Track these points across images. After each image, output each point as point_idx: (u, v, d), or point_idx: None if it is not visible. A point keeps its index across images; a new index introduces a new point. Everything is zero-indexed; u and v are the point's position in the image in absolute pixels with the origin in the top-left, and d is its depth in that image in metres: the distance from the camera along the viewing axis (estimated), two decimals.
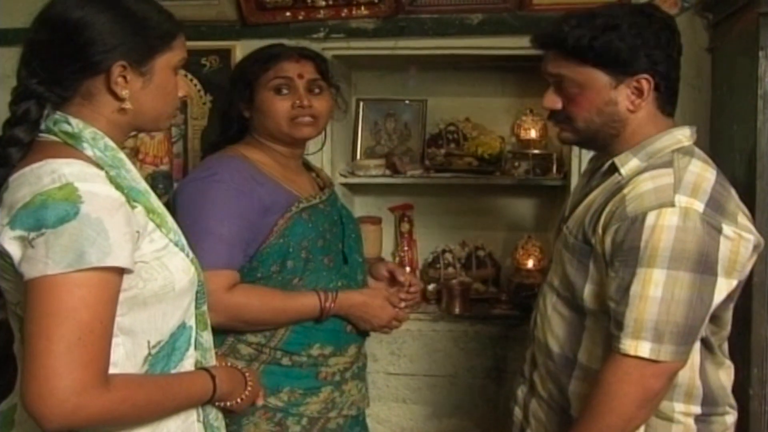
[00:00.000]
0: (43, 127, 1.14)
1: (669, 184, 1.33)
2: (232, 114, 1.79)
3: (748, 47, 1.94)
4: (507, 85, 2.88)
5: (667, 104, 1.45)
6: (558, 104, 1.46)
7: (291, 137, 1.75)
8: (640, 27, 1.38)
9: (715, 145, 2.22)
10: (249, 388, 1.35)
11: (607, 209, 1.37)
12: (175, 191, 1.61)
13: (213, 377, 1.24)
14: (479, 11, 2.43)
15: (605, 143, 1.47)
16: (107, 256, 1.03)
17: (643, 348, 1.29)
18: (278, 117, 1.72)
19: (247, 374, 1.37)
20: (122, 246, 1.06)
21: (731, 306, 1.42)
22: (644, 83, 1.39)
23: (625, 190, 1.36)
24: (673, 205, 1.29)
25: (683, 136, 1.43)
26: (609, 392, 1.32)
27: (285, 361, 1.67)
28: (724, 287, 1.31)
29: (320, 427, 1.70)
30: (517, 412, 1.65)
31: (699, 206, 1.30)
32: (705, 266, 1.29)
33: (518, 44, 2.42)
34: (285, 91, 1.73)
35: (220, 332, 1.60)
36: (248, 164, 1.69)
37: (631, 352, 1.29)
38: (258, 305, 1.63)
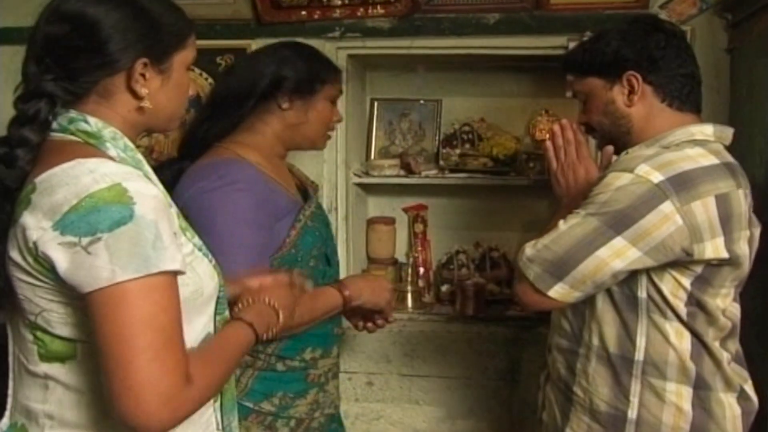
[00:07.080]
0: (56, 125, 1.09)
1: (643, 155, 1.42)
2: (268, 100, 1.70)
3: (767, 48, 1.93)
4: (522, 85, 2.86)
5: (674, 98, 1.50)
6: (584, 118, 1.61)
7: (315, 148, 1.84)
8: (623, 32, 1.52)
9: (734, 146, 2.20)
10: (282, 309, 1.32)
11: None
12: (186, 201, 1.53)
13: (250, 324, 1.23)
14: (496, 11, 2.41)
15: (624, 141, 1.55)
16: (169, 259, 1.01)
17: (524, 254, 1.46)
18: (325, 128, 1.79)
19: (270, 300, 1.32)
20: (175, 248, 1.04)
21: (723, 293, 1.44)
22: (633, 80, 1.50)
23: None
24: (632, 171, 1.38)
25: (699, 131, 1.47)
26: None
27: (279, 366, 1.67)
28: (621, 249, 1.37)
29: (305, 427, 1.72)
30: (540, 396, 1.71)
31: (657, 177, 1.36)
32: (616, 223, 1.37)
33: (535, 44, 2.42)
34: (334, 106, 1.81)
35: None
36: (255, 169, 1.65)
37: (520, 257, 1.47)
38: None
